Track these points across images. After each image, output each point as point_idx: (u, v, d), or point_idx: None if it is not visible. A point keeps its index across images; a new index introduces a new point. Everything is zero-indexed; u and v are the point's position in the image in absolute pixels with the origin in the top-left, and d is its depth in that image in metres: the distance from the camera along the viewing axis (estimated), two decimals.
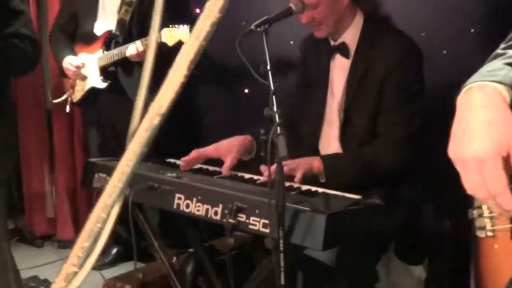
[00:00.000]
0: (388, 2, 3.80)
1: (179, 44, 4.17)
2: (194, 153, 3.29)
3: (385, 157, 3.10)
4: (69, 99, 4.88)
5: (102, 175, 3.28)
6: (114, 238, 4.84)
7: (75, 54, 4.74)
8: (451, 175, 3.62)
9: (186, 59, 1.05)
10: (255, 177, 3.14)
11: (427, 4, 3.83)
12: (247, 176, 3.18)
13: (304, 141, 3.48)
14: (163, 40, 4.17)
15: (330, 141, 3.36)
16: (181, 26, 4.18)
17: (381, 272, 3.19)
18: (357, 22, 3.31)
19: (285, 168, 2.93)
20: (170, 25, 4.20)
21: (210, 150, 3.28)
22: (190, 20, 4.61)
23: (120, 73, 4.60)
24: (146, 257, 3.81)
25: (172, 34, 4.17)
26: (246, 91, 4.86)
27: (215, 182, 3.03)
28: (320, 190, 2.91)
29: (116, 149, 4.59)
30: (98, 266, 4.71)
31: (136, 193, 2.96)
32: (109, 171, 3.22)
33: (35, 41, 3.24)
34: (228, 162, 3.19)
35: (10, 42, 3.10)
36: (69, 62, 4.65)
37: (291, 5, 3.15)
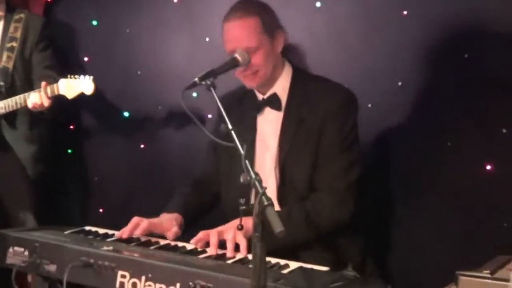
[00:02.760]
0: (308, 55, 3.64)
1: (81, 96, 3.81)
2: (136, 222, 2.99)
3: (326, 211, 2.94)
4: None
5: (19, 249, 2.85)
6: None
7: None
8: (389, 235, 3.50)
9: None
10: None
11: (350, 56, 3.68)
12: (190, 246, 2.86)
13: (230, 201, 3.17)
14: (61, 92, 3.80)
15: None
16: (81, 76, 3.79)
17: None
18: (286, 72, 3.16)
19: (215, 231, 2.79)
20: (69, 75, 3.81)
21: (151, 224, 3.01)
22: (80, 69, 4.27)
23: (4, 126, 4.12)
24: None
25: (71, 87, 3.78)
26: (142, 146, 4.49)
27: (166, 256, 2.67)
28: (283, 262, 2.65)
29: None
30: None
31: (70, 272, 2.56)
32: (27, 245, 2.83)
33: None
34: (175, 230, 3.01)
35: None
36: None
37: (237, 55, 2.88)
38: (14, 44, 4.17)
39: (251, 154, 3.11)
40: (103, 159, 4.72)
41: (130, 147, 4.58)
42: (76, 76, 3.79)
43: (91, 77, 3.77)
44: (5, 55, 4.13)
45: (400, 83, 3.54)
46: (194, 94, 3.89)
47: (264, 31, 3.00)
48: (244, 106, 3.21)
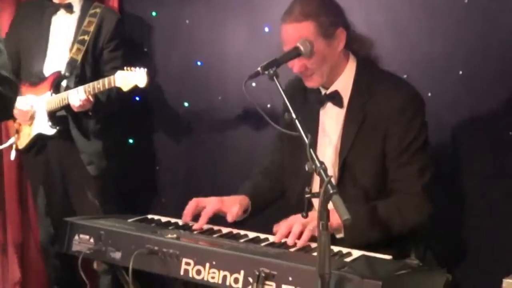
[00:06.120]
0: None
1: (135, 89, 3.84)
2: (195, 204, 3.05)
3: (408, 213, 2.90)
4: (14, 145, 4.39)
5: (84, 237, 2.90)
6: None
7: (20, 95, 4.23)
8: (445, 224, 3.48)
9: None
10: (263, 235, 2.86)
11: (410, 45, 3.65)
12: (252, 234, 2.88)
13: (293, 191, 3.18)
14: (117, 84, 3.82)
15: None
16: (136, 68, 3.80)
17: None
18: (350, 68, 3.07)
19: (307, 233, 2.73)
20: (125, 67, 3.84)
21: (213, 202, 3.05)
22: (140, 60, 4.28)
23: (70, 119, 4.18)
24: None
25: (126, 79, 3.80)
26: (202, 136, 4.55)
27: (229, 244, 2.69)
28: (345, 250, 2.65)
29: (65, 205, 4.25)
30: None
31: (135, 259, 2.61)
32: (93, 232, 2.88)
33: (15, 83, 2.85)
34: (234, 210, 3.02)
35: None
36: (17, 106, 4.12)
37: (299, 45, 2.86)
38: (86, 37, 4.19)
39: (313, 147, 3.08)
40: (164, 149, 4.78)
41: (191, 137, 4.62)
42: (132, 68, 3.80)
43: (145, 70, 3.78)
44: (75, 47, 4.17)
45: (460, 72, 3.52)
46: (253, 84, 3.89)
47: (320, 34, 2.91)
48: (308, 97, 3.16)
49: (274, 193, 3.35)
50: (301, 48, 2.86)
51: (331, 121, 3.08)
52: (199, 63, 4.51)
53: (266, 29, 4.19)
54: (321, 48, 2.91)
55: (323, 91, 3.11)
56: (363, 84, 3.03)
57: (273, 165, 3.39)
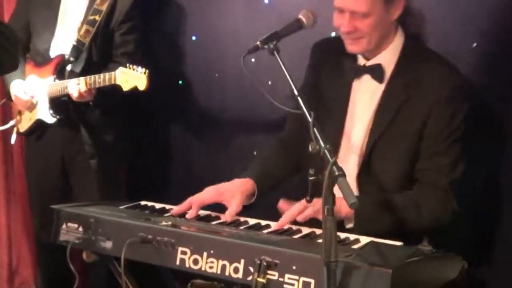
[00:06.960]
0: None
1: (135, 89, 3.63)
2: (189, 203, 2.85)
3: (428, 207, 2.75)
4: (15, 128, 4.23)
5: (73, 225, 2.75)
6: None
7: (23, 75, 4.06)
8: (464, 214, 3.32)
9: None
10: (264, 222, 2.74)
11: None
12: (252, 221, 2.76)
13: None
14: (118, 82, 3.61)
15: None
16: (138, 68, 3.59)
17: None
18: (397, 43, 2.89)
19: (309, 210, 2.62)
20: (128, 65, 3.63)
21: (210, 195, 2.87)
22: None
23: (73, 108, 3.98)
24: None
25: (127, 78, 3.60)
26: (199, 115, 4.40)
27: (228, 231, 2.58)
28: (353, 237, 2.53)
29: (62, 194, 4.07)
30: None
31: (127, 248, 2.49)
32: (81, 221, 2.74)
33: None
34: (233, 208, 2.79)
35: None
36: (16, 93, 4.00)
37: (301, 16, 2.70)
38: (97, 17, 3.96)
39: (340, 122, 2.92)
40: (160, 128, 4.65)
41: (185, 118, 4.49)
42: (134, 67, 3.58)
43: (147, 71, 3.56)
44: (84, 28, 3.95)
45: (474, 44, 3.36)
46: (253, 59, 3.74)
47: None
48: (342, 63, 2.97)
49: (287, 168, 3.15)
50: (303, 20, 2.71)
51: (365, 95, 2.90)
52: (194, 37, 4.36)
53: (266, 1, 4.03)
54: (378, 11, 2.73)
55: (362, 62, 2.92)
56: (409, 62, 2.86)
57: (290, 136, 3.19)
